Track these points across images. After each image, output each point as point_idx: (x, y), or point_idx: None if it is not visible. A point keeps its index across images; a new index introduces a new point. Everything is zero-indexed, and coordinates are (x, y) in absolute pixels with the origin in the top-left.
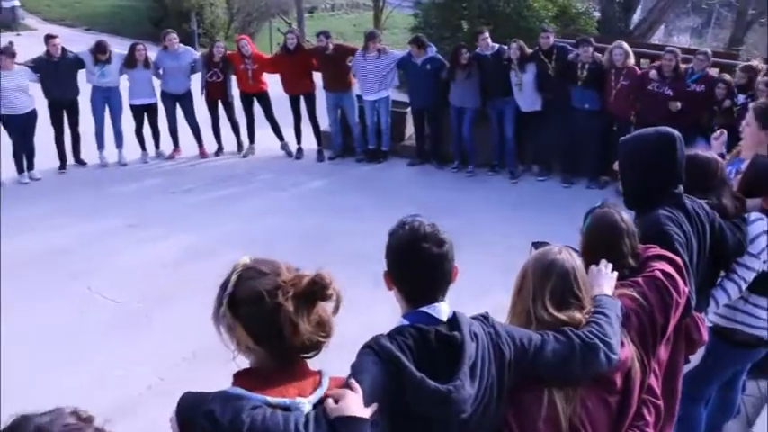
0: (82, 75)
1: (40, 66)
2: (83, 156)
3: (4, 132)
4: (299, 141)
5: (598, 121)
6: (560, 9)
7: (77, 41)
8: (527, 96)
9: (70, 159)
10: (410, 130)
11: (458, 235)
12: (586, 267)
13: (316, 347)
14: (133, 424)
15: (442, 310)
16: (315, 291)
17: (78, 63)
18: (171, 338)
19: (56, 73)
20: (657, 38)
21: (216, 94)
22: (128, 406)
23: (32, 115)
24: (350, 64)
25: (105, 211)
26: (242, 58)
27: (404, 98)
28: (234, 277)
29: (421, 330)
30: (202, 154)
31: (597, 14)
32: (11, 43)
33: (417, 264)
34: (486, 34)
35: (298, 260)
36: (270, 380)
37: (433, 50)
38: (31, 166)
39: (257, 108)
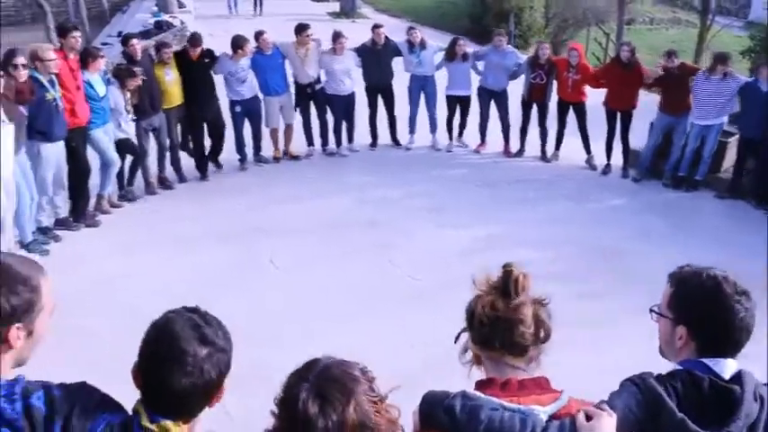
0: (397, 62)
1: (364, 51)
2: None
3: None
4: (608, 158)
5: None
6: None
7: (400, 32)
8: None
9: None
10: (728, 162)
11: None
12: None
13: None
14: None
15: (727, 366)
16: None
17: (396, 51)
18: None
19: (377, 59)
20: None
21: (536, 95)
22: (407, 374)
23: (352, 97)
24: (691, 85)
25: (411, 191)
26: (567, 66)
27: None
28: None
29: (693, 376)
30: (507, 152)
31: None
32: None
33: (723, 316)
34: None
35: (580, 272)
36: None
37: None
38: (350, 140)
39: (570, 117)
